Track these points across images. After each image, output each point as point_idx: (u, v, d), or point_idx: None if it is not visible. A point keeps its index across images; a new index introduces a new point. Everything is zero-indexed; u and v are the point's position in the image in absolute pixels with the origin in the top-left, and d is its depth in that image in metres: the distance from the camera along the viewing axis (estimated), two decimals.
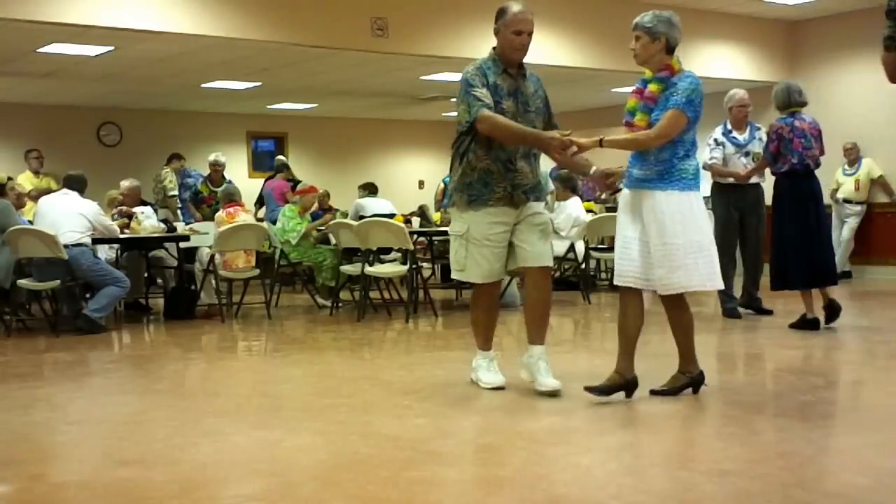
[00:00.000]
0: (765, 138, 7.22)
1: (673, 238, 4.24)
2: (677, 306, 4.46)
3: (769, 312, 7.52)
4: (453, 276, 4.87)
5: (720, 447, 3.63)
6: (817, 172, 6.85)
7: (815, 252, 6.64)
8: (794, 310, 7.14)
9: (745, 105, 7.26)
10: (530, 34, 4.63)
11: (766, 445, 3.65)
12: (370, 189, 11.95)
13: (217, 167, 11.09)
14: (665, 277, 4.27)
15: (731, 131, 7.26)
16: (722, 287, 4.50)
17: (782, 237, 6.72)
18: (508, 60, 4.65)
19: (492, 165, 4.59)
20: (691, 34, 12.27)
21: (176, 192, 11.82)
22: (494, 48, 4.70)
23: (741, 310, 7.48)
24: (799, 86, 6.90)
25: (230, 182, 10.71)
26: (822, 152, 6.80)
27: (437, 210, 10.56)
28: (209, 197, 10.78)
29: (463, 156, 4.65)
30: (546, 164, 11.90)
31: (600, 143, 4.34)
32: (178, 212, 11.55)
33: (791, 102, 6.76)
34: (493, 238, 4.63)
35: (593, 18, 10.54)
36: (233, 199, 8.76)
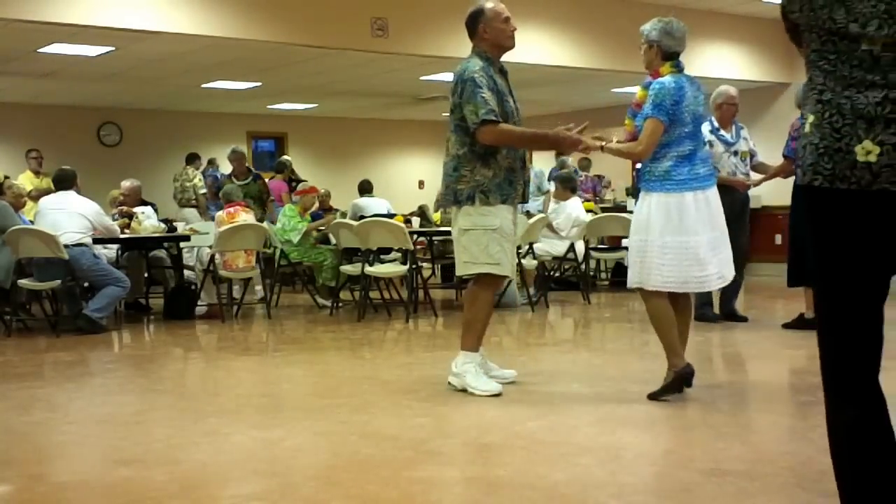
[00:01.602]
0: (749, 138, 7.18)
1: (631, 235, 4.53)
2: (645, 302, 4.52)
3: (745, 319, 7.26)
4: (478, 270, 4.69)
5: (720, 447, 3.63)
6: None
7: None
8: (796, 310, 7.14)
9: (735, 103, 7.11)
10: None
11: (766, 445, 3.65)
12: (365, 187, 11.95)
13: (239, 158, 10.45)
14: (629, 272, 4.57)
15: (718, 129, 7.09)
16: (670, 290, 4.43)
17: (799, 234, 6.70)
18: (502, 51, 4.81)
19: (514, 164, 4.73)
20: (691, 34, 12.27)
21: (205, 190, 11.91)
22: (479, 51, 4.78)
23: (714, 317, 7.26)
24: None
25: (257, 175, 10.43)
26: None
27: (437, 210, 10.55)
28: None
29: (486, 156, 4.66)
30: (546, 163, 11.90)
31: (602, 148, 4.56)
32: (208, 210, 11.63)
33: None
34: (512, 235, 4.79)
35: (593, 18, 10.53)
36: (232, 198, 8.76)
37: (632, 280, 4.51)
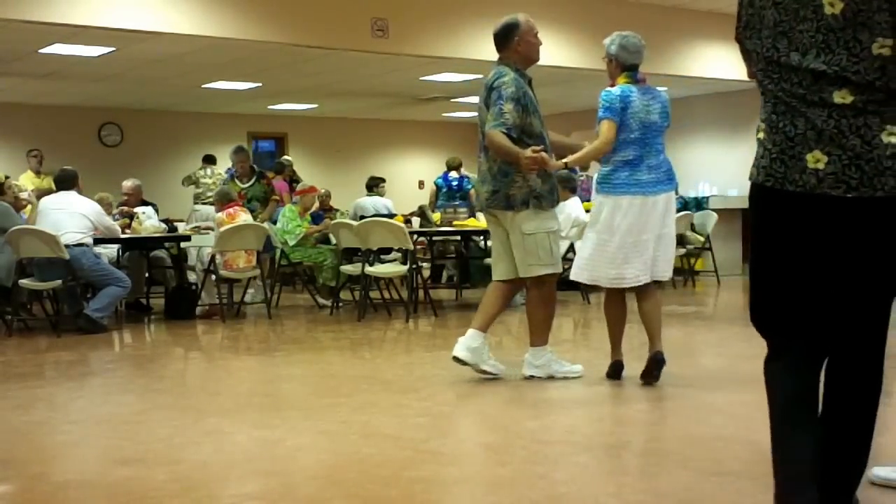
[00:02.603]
0: None
1: (586, 235, 4.92)
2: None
3: None
4: (545, 272, 4.96)
5: (720, 447, 3.64)
6: None
7: None
8: None
9: None
10: None
11: (766, 445, 3.64)
12: (370, 185, 11.96)
13: (242, 158, 9.60)
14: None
15: None
16: (600, 284, 4.96)
17: None
18: (530, 64, 5.02)
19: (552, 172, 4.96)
20: (691, 34, 12.34)
21: None
22: (509, 62, 4.92)
23: None
24: None
25: (261, 173, 9.75)
26: None
27: (433, 210, 10.58)
28: (240, 195, 9.24)
29: None
30: None
31: (566, 166, 4.93)
32: None
33: None
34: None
35: (593, 18, 10.54)
36: (229, 199, 8.73)
37: (593, 278, 4.97)
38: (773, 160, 2.26)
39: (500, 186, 4.87)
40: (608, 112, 4.74)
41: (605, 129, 4.72)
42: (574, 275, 5.00)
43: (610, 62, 4.89)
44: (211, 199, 11.57)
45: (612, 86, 4.85)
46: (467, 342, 4.89)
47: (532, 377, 4.98)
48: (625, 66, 4.84)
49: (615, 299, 5.01)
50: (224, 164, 12.90)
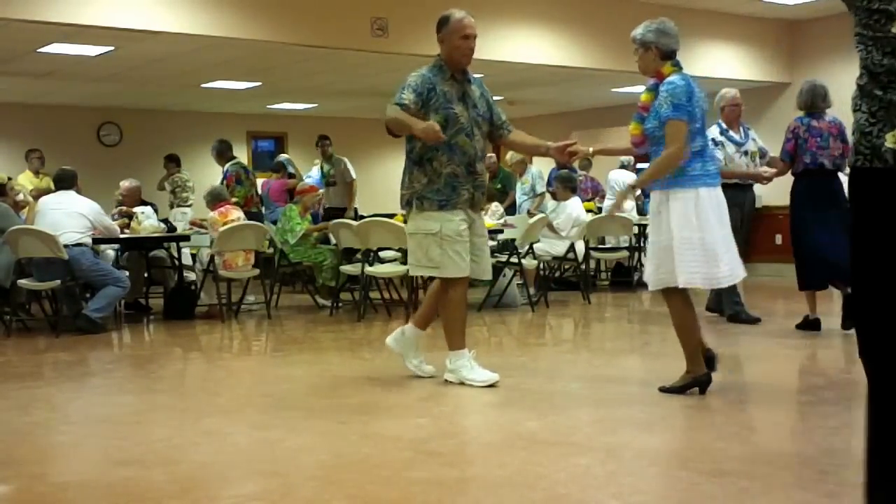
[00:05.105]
0: (757, 137, 7.16)
1: (651, 236, 4.51)
2: (669, 304, 4.54)
3: (757, 320, 7.15)
4: (421, 273, 5.02)
5: (720, 447, 3.63)
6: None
7: (828, 251, 6.40)
8: (796, 310, 7.14)
9: (738, 104, 7.09)
10: (475, 38, 4.84)
11: (766, 445, 3.65)
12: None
13: (214, 156, 10.02)
14: (651, 275, 4.51)
15: (727, 130, 7.08)
16: (697, 285, 4.45)
17: (799, 238, 6.63)
18: (456, 66, 4.85)
19: (457, 169, 4.78)
20: (691, 34, 12.32)
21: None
22: (439, 56, 4.87)
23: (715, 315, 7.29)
24: (825, 88, 6.64)
25: (225, 174, 9.93)
26: (845, 152, 6.49)
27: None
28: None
29: (422, 163, 4.81)
30: (546, 164, 11.84)
31: (633, 188, 4.68)
32: None
33: (814, 106, 6.58)
34: (464, 234, 4.80)
35: (593, 18, 10.54)
36: (221, 198, 8.70)
37: (654, 282, 4.48)
38: (861, 136, 2.01)
39: (400, 186, 4.95)
40: (679, 111, 4.33)
41: (679, 131, 4.31)
42: (691, 282, 4.40)
43: (647, 52, 4.47)
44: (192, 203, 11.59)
45: (659, 77, 4.47)
46: (449, 364, 4.92)
47: (448, 381, 4.92)
48: (666, 52, 4.47)
49: (691, 304, 4.51)
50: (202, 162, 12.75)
